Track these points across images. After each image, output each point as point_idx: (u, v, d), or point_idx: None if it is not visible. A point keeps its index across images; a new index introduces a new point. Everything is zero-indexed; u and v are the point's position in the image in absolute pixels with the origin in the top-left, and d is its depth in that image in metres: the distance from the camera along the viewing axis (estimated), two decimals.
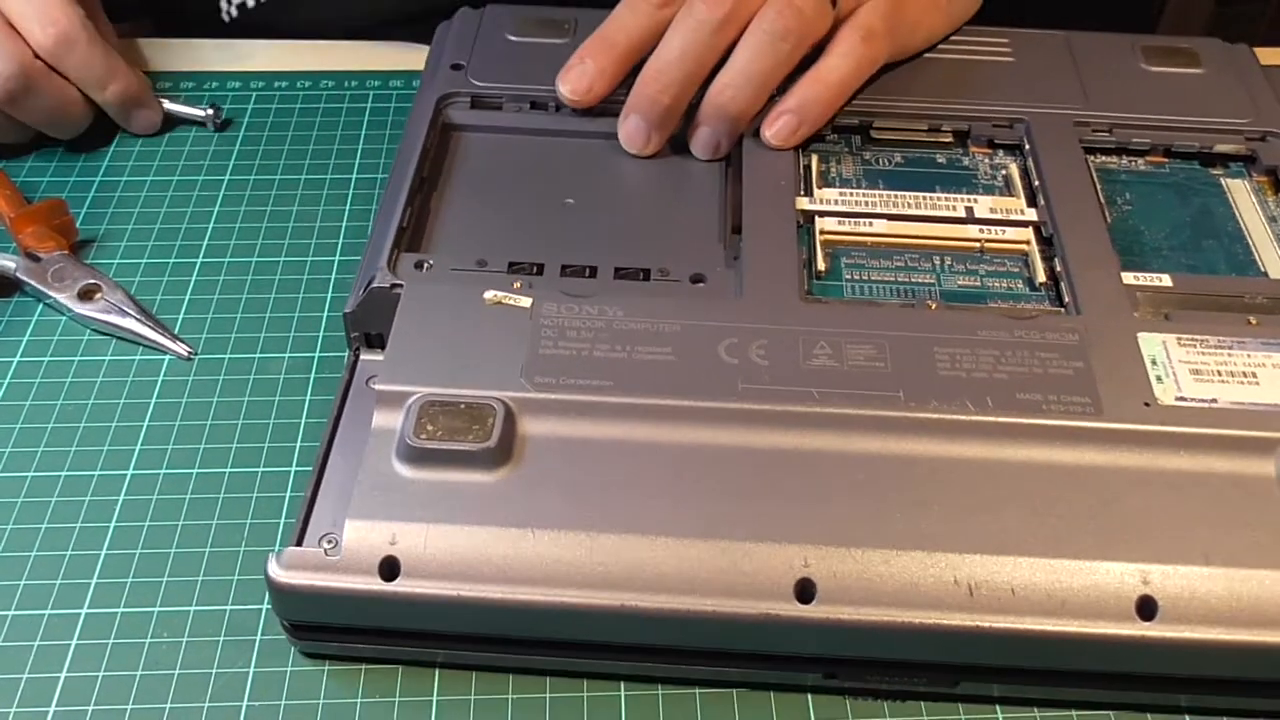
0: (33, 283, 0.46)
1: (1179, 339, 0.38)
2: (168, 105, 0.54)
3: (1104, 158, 0.48)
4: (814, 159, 0.47)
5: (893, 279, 0.42)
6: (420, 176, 0.44)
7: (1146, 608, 0.32)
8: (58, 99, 0.50)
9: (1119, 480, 0.35)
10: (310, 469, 0.37)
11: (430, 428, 0.35)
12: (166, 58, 0.57)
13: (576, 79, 0.46)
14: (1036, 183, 0.45)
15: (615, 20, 0.46)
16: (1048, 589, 0.33)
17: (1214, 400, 0.36)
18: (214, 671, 0.35)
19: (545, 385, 0.36)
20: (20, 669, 0.35)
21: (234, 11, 0.63)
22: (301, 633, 0.35)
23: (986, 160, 0.47)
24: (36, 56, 0.49)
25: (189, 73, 0.57)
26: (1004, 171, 0.47)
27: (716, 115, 0.45)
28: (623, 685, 0.35)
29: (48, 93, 0.50)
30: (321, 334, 0.45)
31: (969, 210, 0.44)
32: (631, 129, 0.45)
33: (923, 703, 0.35)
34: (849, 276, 0.42)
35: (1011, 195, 0.45)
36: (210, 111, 0.54)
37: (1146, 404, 0.36)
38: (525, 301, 0.39)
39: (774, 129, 0.44)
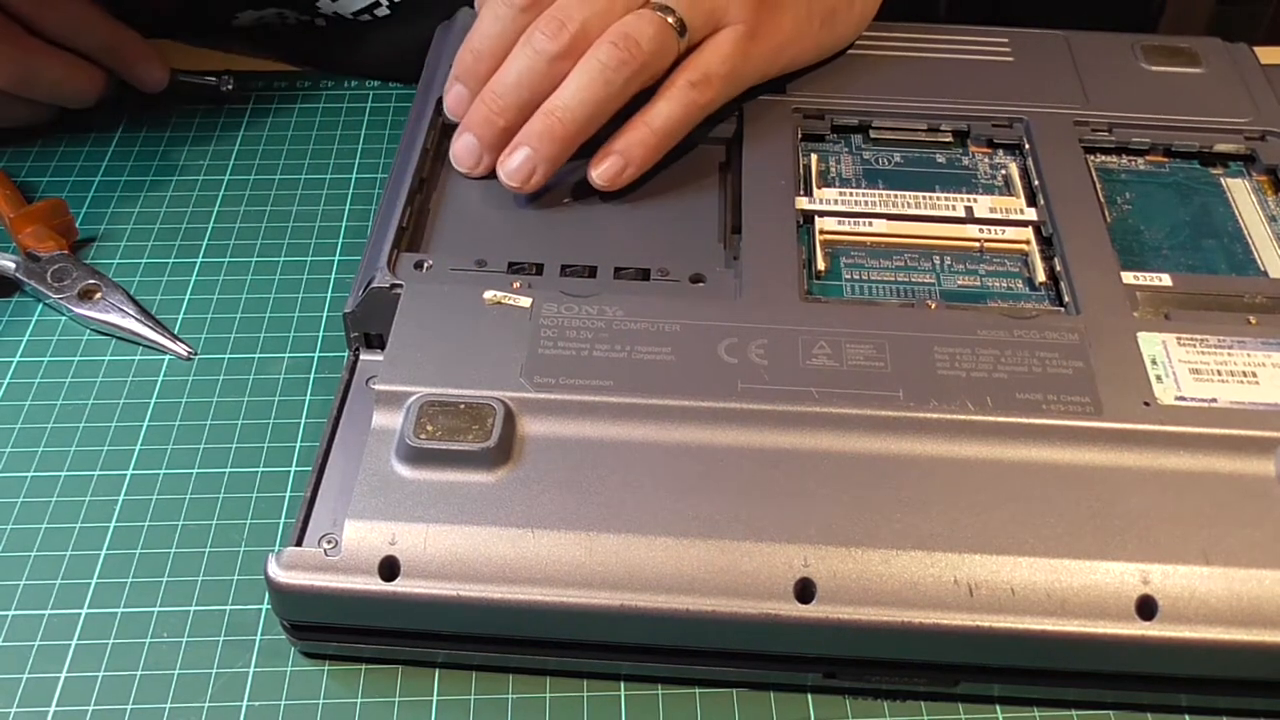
0: (32, 283, 0.46)
1: (1179, 338, 0.38)
2: (181, 78, 0.54)
3: (1104, 157, 0.48)
4: (814, 159, 0.47)
5: (892, 279, 0.42)
6: (420, 176, 0.44)
7: (1146, 607, 0.32)
8: (59, 67, 0.51)
9: (1119, 480, 0.35)
10: (310, 469, 0.37)
11: (430, 428, 0.35)
12: (166, 57, 0.57)
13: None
14: (1036, 182, 0.45)
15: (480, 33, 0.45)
16: (1048, 589, 0.33)
17: (1214, 400, 0.36)
18: (214, 671, 0.35)
19: (545, 385, 0.36)
20: (20, 669, 0.35)
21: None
22: (301, 633, 0.35)
23: (986, 160, 0.47)
24: (29, 32, 0.50)
25: (189, 72, 0.57)
26: (1003, 171, 0.47)
27: (538, 137, 0.43)
28: (623, 685, 0.35)
29: (47, 66, 0.50)
30: (321, 334, 0.45)
31: (969, 210, 0.44)
32: (463, 147, 0.45)
33: (923, 703, 0.35)
34: (848, 276, 0.42)
35: (1011, 195, 0.45)
36: (223, 77, 0.54)
37: (1146, 404, 0.36)
38: (525, 301, 0.39)
39: (600, 169, 0.44)
